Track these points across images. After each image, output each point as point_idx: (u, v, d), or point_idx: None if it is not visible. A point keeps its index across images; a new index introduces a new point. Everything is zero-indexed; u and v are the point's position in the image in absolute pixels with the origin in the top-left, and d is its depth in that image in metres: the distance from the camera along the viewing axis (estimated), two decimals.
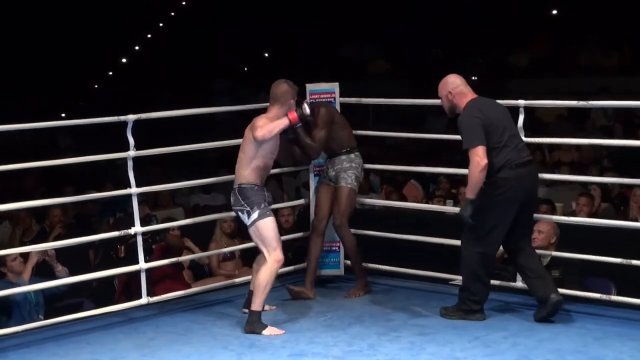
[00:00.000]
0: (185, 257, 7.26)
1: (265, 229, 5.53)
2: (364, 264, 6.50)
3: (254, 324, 5.49)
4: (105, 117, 5.93)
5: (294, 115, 5.67)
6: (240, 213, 5.58)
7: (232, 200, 5.63)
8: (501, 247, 5.79)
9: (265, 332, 5.48)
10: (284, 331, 5.52)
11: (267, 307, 5.93)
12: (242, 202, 5.55)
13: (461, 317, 5.64)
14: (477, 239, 5.54)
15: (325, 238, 6.53)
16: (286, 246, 6.04)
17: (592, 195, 8.32)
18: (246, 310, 5.86)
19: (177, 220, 8.19)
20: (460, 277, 6.48)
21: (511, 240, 5.61)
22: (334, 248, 6.76)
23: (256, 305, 5.50)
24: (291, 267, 6.74)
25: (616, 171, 9.66)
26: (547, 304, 5.50)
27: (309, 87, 6.73)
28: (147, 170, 9.41)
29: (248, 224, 5.56)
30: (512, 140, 5.47)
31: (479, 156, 5.32)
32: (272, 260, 5.50)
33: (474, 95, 5.58)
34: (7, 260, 6.62)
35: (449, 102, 5.61)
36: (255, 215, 5.52)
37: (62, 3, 18.26)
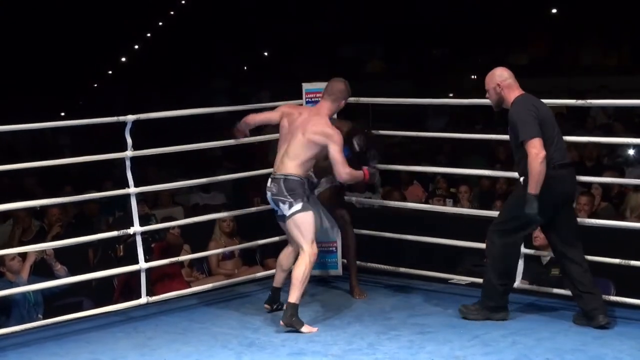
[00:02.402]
0: (185, 257, 7.26)
1: (307, 222, 5.56)
2: (362, 263, 6.52)
3: (292, 318, 5.47)
4: (104, 118, 5.93)
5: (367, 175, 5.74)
6: (281, 203, 5.58)
7: (273, 188, 5.60)
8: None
9: (303, 329, 5.48)
10: (317, 328, 5.53)
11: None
12: (286, 193, 5.55)
13: (485, 316, 5.57)
14: (506, 233, 5.47)
15: (322, 238, 6.52)
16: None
17: (593, 195, 8.32)
18: (268, 307, 5.91)
19: (176, 219, 8.20)
20: (459, 277, 6.50)
21: (558, 244, 5.51)
22: (331, 249, 6.75)
23: (295, 298, 5.48)
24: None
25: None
26: (592, 322, 5.40)
27: (305, 86, 6.72)
28: (146, 170, 9.42)
29: (288, 214, 5.57)
30: (557, 140, 5.40)
31: (536, 148, 5.21)
32: (309, 253, 5.53)
33: (522, 91, 5.50)
34: (6, 259, 6.62)
35: (496, 94, 5.51)
36: (298, 206, 5.54)
37: (62, 2, 18.25)
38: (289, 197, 5.56)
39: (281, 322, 5.51)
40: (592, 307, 5.41)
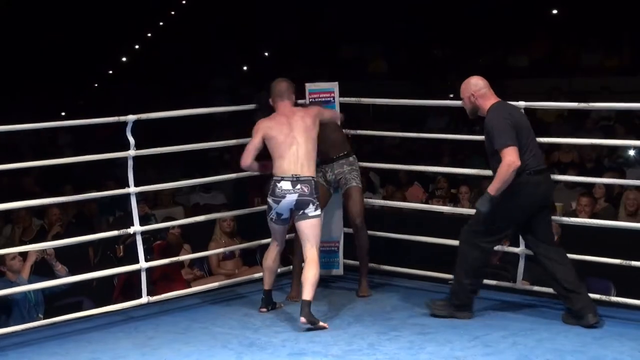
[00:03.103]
0: (185, 257, 7.26)
1: (320, 225, 5.77)
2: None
3: (312, 315, 5.56)
4: (105, 118, 5.93)
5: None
6: (311, 204, 5.71)
7: (304, 189, 5.69)
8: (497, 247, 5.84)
9: (321, 323, 5.58)
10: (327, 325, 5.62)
11: (278, 305, 6.05)
12: (315, 195, 5.73)
13: (449, 313, 5.64)
14: (479, 235, 5.53)
15: (324, 238, 6.53)
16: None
17: (594, 196, 8.32)
18: (264, 310, 5.94)
19: (176, 219, 8.20)
20: None
21: (540, 247, 5.56)
22: (333, 248, 6.75)
23: (311, 297, 5.58)
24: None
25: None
26: (582, 321, 5.43)
27: (308, 86, 6.71)
28: (146, 169, 9.42)
29: (311, 214, 5.70)
30: (532, 147, 5.48)
31: (512, 156, 5.29)
32: (318, 254, 5.73)
33: (497, 99, 5.57)
34: (7, 259, 6.62)
35: (471, 104, 5.60)
36: (319, 210, 5.77)
37: (63, 2, 18.25)
38: (316, 199, 5.73)
39: (303, 319, 5.52)
40: (580, 306, 5.44)
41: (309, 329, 5.53)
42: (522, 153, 5.36)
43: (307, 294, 5.56)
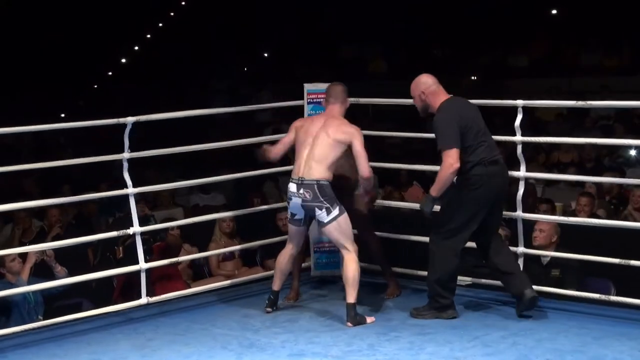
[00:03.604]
0: (185, 257, 7.25)
1: (347, 224, 5.71)
2: (363, 264, 6.52)
3: (357, 317, 5.61)
4: (104, 120, 5.94)
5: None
6: (317, 209, 5.64)
7: (306, 195, 5.64)
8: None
9: (368, 320, 5.65)
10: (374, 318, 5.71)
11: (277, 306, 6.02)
12: (322, 199, 5.63)
13: (434, 315, 5.66)
14: (448, 235, 5.58)
15: (326, 238, 6.53)
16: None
17: (593, 195, 8.32)
18: (269, 310, 5.94)
19: (176, 220, 8.19)
20: (460, 278, 6.50)
21: (483, 237, 5.67)
22: (332, 248, 6.73)
23: (354, 298, 5.61)
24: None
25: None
26: (523, 300, 5.55)
27: (307, 87, 6.70)
28: (145, 170, 9.42)
29: (326, 220, 5.64)
30: (485, 139, 5.55)
31: (452, 158, 5.38)
32: (355, 251, 5.70)
33: (447, 96, 5.63)
34: (6, 260, 6.61)
35: (422, 102, 5.66)
36: (336, 211, 5.66)
37: (63, 3, 18.26)
38: (325, 202, 5.63)
39: (348, 324, 5.58)
40: (517, 289, 5.57)
41: (309, 330, 5.54)
42: (475, 148, 5.45)
43: (350, 296, 5.60)
